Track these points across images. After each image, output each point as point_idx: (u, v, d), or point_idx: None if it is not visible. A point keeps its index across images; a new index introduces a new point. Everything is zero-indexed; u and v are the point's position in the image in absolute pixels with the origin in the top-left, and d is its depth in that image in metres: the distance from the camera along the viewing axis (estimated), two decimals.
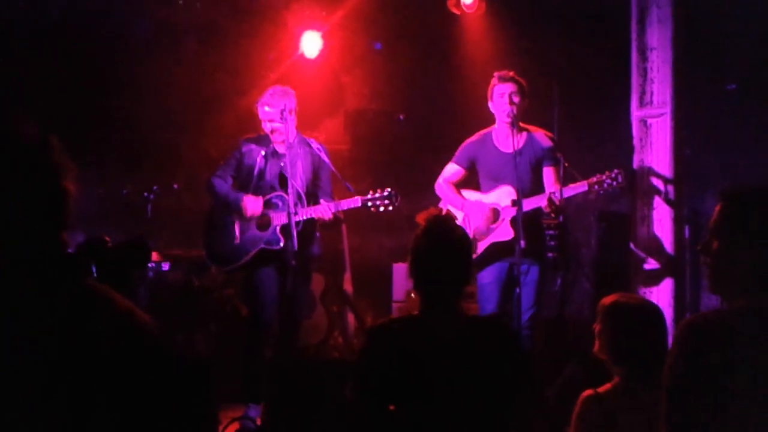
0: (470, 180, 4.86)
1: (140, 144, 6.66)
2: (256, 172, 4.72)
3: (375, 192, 4.59)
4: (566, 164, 4.55)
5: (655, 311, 2.69)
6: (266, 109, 4.71)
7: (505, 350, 2.54)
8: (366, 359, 2.57)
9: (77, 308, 1.47)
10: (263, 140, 4.79)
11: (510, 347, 2.57)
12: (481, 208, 4.64)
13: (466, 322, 2.58)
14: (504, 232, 4.56)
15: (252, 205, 4.66)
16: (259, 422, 4.47)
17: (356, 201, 4.58)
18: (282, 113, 4.67)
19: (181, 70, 6.65)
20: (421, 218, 2.73)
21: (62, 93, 6.38)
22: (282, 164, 4.70)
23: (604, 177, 4.34)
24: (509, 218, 4.54)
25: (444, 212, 4.73)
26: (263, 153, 4.74)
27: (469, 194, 4.81)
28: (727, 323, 1.80)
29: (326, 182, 4.84)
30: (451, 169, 4.82)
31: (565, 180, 4.52)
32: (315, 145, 4.79)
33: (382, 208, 4.58)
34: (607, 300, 2.68)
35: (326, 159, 4.78)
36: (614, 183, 4.32)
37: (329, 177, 4.85)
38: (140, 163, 6.61)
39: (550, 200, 4.37)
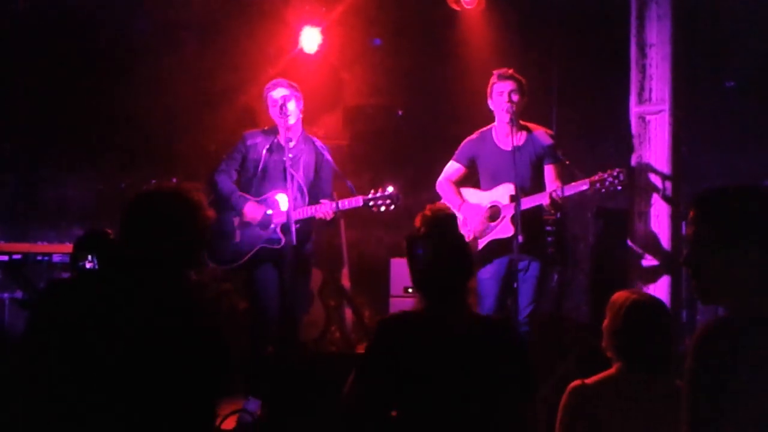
0: (471, 177, 4.88)
1: (139, 139, 6.66)
2: (261, 165, 4.72)
3: (377, 191, 4.58)
4: (567, 161, 4.55)
5: (660, 307, 2.70)
6: (283, 91, 4.71)
7: (511, 351, 2.55)
8: (376, 349, 2.56)
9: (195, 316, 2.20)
10: (267, 133, 4.80)
11: (516, 349, 2.58)
12: (478, 211, 4.65)
13: (475, 319, 2.59)
14: (504, 229, 4.58)
15: (252, 212, 4.66)
16: (258, 414, 4.48)
17: (358, 200, 4.59)
18: (298, 100, 4.76)
19: (181, 65, 6.65)
20: (418, 220, 2.74)
21: (62, 89, 6.40)
22: (285, 159, 4.71)
23: (606, 175, 4.31)
24: (510, 215, 4.55)
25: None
26: (267, 146, 4.74)
27: (470, 192, 4.82)
28: (739, 331, 1.78)
29: (327, 182, 4.84)
30: (452, 167, 4.85)
31: (565, 177, 4.53)
32: (318, 143, 4.82)
33: (383, 208, 4.58)
34: (617, 295, 2.70)
35: (329, 158, 4.81)
36: (616, 181, 4.30)
37: (330, 177, 4.86)
38: (139, 157, 6.62)
39: (552, 198, 4.38)
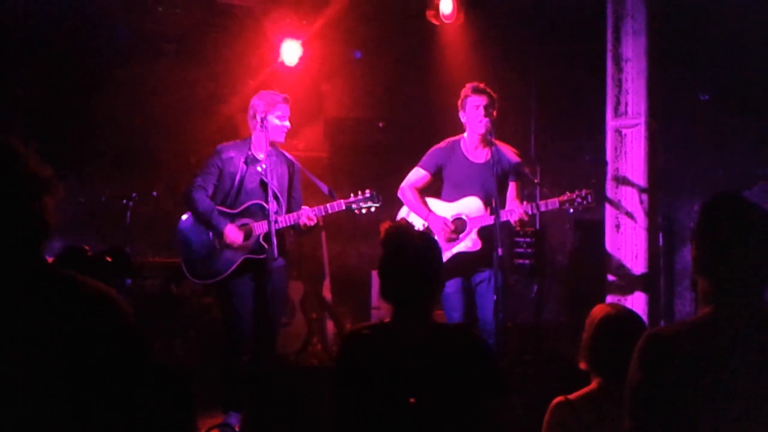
0: (432, 185, 4.90)
1: (119, 151, 6.65)
2: (238, 179, 4.71)
3: (357, 194, 4.64)
4: (536, 180, 4.61)
5: (637, 321, 2.73)
6: (283, 108, 4.71)
7: (470, 357, 2.58)
8: (340, 362, 2.66)
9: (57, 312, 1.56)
10: (240, 146, 4.78)
11: (476, 354, 2.60)
12: (443, 224, 4.68)
13: (431, 329, 2.62)
14: (471, 243, 4.61)
15: (233, 235, 4.60)
16: (237, 429, 4.48)
17: (340, 204, 4.63)
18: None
19: (161, 77, 6.66)
20: (383, 228, 2.80)
21: (42, 100, 6.37)
22: (260, 170, 4.72)
23: (574, 196, 4.45)
24: (476, 229, 4.59)
25: (401, 220, 4.74)
26: (244, 159, 4.73)
27: (433, 203, 4.84)
28: (685, 334, 1.85)
29: (299, 191, 4.87)
30: (417, 174, 4.85)
31: (525, 195, 4.62)
32: (286, 153, 4.83)
33: (364, 210, 4.65)
34: (594, 310, 2.72)
35: (299, 165, 4.82)
36: (584, 202, 4.44)
37: (300, 186, 4.89)
38: (119, 170, 6.60)
39: (521, 218, 4.46)
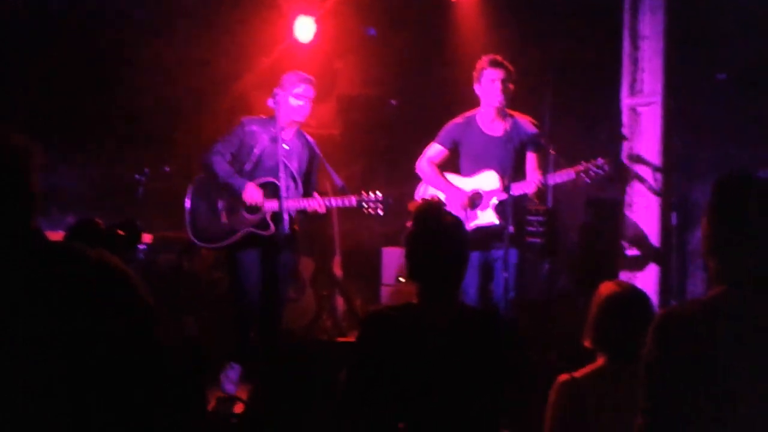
0: (449, 162, 4.88)
1: (132, 127, 6.66)
2: (257, 153, 4.73)
3: (368, 194, 4.67)
4: (553, 151, 4.59)
5: (643, 299, 2.71)
6: (311, 94, 4.77)
7: (495, 342, 2.54)
8: (362, 341, 2.56)
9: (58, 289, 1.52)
10: (265, 123, 4.80)
11: (501, 340, 2.56)
12: (460, 195, 4.66)
13: (459, 311, 2.56)
14: (488, 217, 4.60)
15: (253, 194, 4.64)
16: (239, 395, 4.53)
17: (351, 200, 4.66)
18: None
19: (175, 53, 6.64)
20: (412, 207, 2.73)
21: (55, 76, 6.38)
22: (283, 149, 4.73)
23: (590, 165, 4.42)
24: (493, 203, 4.58)
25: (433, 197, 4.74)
26: (268, 136, 4.75)
27: (451, 178, 4.83)
28: (701, 313, 1.84)
29: (315, 177, 4.92)
30: (435, 149, 4.85)
31: (548, 166, 4.57)
32: (309, 138, 4.87)
33: (372, 211, 4.69)
34: (601, 288, 2.71)
35: (319, 153, 4.86)
36: (600, 171, 4.41)
37: (316, 173, 4.93)
38: (132, 145, 6.62)
39: (538, 188, 4.43)
